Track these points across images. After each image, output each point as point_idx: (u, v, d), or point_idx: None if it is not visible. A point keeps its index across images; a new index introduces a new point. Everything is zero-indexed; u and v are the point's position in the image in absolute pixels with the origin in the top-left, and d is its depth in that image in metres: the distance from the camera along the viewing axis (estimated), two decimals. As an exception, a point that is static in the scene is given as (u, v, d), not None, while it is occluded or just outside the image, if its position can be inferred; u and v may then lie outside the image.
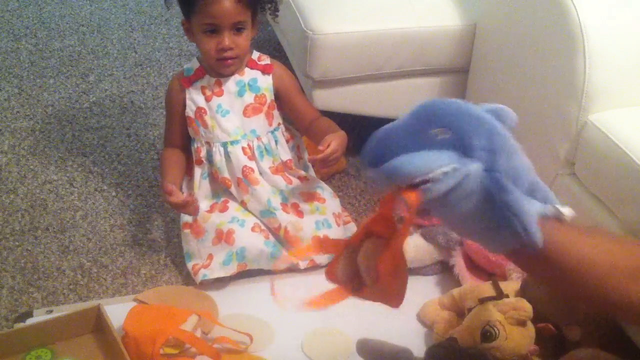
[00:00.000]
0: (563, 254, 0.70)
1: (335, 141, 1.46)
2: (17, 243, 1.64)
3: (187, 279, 1.57)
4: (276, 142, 1.58)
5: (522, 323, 1.30)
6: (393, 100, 1.84)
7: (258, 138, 1.56)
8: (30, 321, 1.42)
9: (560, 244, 0.70)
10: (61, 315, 1.38)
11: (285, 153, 1.60)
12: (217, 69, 1.52)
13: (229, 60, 1.48)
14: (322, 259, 1.54)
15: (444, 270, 1.59)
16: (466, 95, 1.81)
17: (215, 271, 1.50)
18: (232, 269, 1.50)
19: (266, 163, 1.57)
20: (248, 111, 1.54)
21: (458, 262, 1.52)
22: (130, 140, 2.03)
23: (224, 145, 1.54)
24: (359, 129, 2.05)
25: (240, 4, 1.42)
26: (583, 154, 1.38)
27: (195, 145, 1.57)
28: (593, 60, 1.33)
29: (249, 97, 1.54)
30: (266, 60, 1.57)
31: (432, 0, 1.79)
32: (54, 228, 1.69)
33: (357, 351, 1.37)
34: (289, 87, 1.58)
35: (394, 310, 1.48)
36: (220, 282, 1.53)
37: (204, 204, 1.58)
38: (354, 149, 1.97)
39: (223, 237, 1.51)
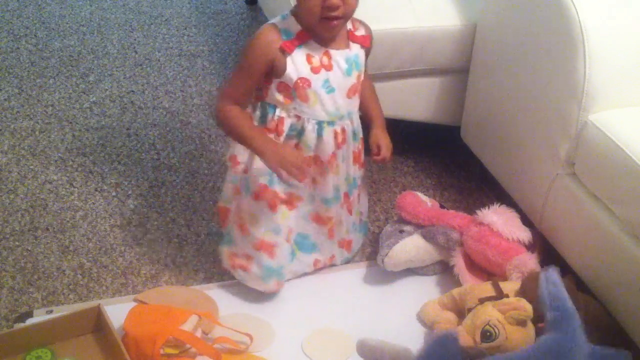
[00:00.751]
0: None
1: (385, 148, 1.47)
2: (17, 243, 1.64)
3: (187, 279, 1.57)
4: (359, 125, 1.47)
5: (522, 323, 1.30)
6: (393, 100, 1.84)
7: (351, 121, 1.43)
8: (30, 321, 1.42)
9: None
10: (61, 315, 1.38)
11: (361, 142, 1.50)
12: (318, 30, 1.30)
13: (335, 21, 1.27)
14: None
15: (444, 270, 1.59)
16: (466, 95, 1.81)
17: (253, 282, 1.48)
18: (270, 287, 1.49)
19: (352, 148, 1.46)
20: (351, 92, 1.38)
21: (458, 262, 1.52)
22: (130, 140, 2.03)
23: (319, 124, 1.37)
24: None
25: None
26: (583, 154, 1.38)
27: (275, 115, 1.37)
28: (593, 60, 1.33)
29: (354, 76, 1.37)
30: (360, 28, 1.40)
31: (432, 0, 1.79)
32: (54, 228, 1.69)
33: (357, 351, 1.37)
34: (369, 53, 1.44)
35: (394, 310, 1.49)
36: (220, 282, 1.53)
37: (255, 182, 1.42)
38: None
39: (264, 246, 1.45)
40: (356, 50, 1.37)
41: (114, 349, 1.31)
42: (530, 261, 1.46)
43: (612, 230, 1.32)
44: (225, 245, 1.51)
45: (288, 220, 1.46)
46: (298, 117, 1.36)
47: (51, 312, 1.45)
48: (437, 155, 2.00)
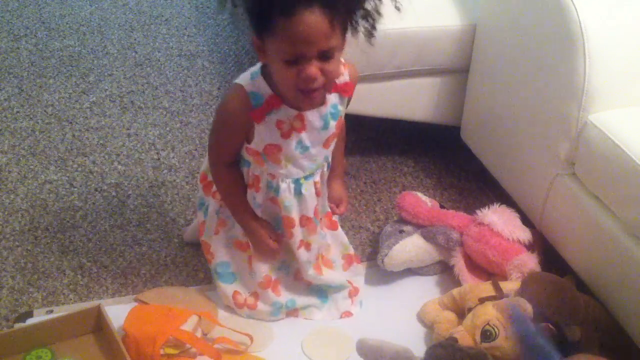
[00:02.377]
0: None
1: (345, 203, 1.48)
2: (17, 243, 1.64)
3: (187, 279, 1.57)
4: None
5: (522, 323, 1.30)
6: (393, 100, 1.84)
7: (328, 161, 1.35)
8: (30, 321, 1.42)
9: None
10: (61, 315, 1.38)
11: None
12: (297, 102, 1.18)
13: (315, 93, 1.14)
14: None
15: (444, 270, 1.59)
16: (466, 95, 1.81)
17: (263, 316, 1.45)
18: (281, 317, 1.46)
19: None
20: (329, 141, 1.29)
21: (458, 262, 1.52)
22: (130, 140, 2.03)
23: (296, 182, 1.30)
24: (359, 128, 2.05)
25: (333, 24, 1.06)
26: (583, 154, 1.38)
27: (252, 172, 1.31)
28: (593, 60, 1.33)
29: (332, 127, 1.27)
30: (345, 74, 1.26)
31: (432, 0, 1.79)
32: (54, 228, 1.69)
33: (357, 351, 1.37)
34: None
35: (394, 310, 1.49)
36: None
37: None
38: (353, 148, 1.98)
39: (271, 285, 1.42)
40: (334, 101, 1.25)
41: (114, 349, 1.31)
42: (530, 261, 1.46)
43: (612, 230, 1.32)
44: (222, 281, 1.45)
45: (285, 254, 1.43)
46: (273, 176, 1.30)
47: (51, 312, 1.45)
48: (437, 155, 2.00)
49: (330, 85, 1.17)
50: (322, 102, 1.22)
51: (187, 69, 2.39)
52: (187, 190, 1.83)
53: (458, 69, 1.80)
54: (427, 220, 1.58)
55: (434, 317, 1.45)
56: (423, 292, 1.53)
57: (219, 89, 2.28)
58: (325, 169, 1.36)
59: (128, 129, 2.07)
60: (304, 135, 1.24)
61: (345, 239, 1.50)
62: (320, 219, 1.41)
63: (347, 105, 1.30)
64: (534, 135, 1.52)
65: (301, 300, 1.46)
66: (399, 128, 1.99)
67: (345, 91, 1.27)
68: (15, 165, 1.90)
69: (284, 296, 1.45)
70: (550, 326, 1.32)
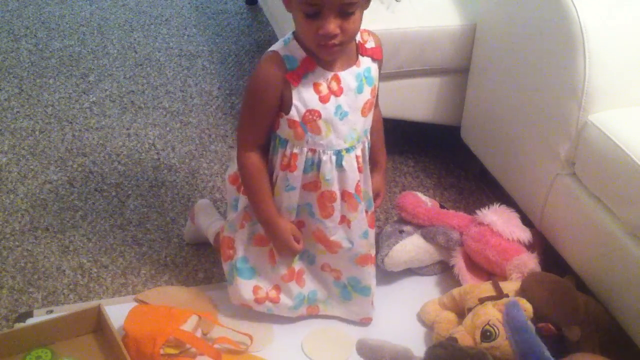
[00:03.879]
0: None
1: (381, 197, 1.46)
2: (17, 243, 1.64)
3: (187, 279, 1.57)
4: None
5: (522, 323, 1.30)
6: (393, 100, 1.84)
7: (367, 137, 1.32)
8: (30, 321, 1.42)
9: None
10: (61, 315, 1.38)
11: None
12: (320, 55, 1.19)
13: (334, 48, 1.16)
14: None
15: (444, 270, 1.59)
16: (466, 95, 1.81)
17: (284, 311, 1.43)
18: (301, 312, 1.44)
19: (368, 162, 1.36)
20: (366, 109, 1.27)
21: (458, 262, 1.52)
22: (130, 140, 2.03)
23: (338, 153, 1.26)
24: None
25: None
26: (583, 154, 1.38)
27: (287, 150, 1.26)
28: (593, 60, 1.33)
29: (367, 93, 1.26)
30: (370, 40, 1.28)
31: (432, 0, 1.79)
32: (54, 228, 1.69)
33: (357, 351, 1.37)
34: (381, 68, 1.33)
35: (394, 310, 1.49)
36: (220, 282, 1.53)
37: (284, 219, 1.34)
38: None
39: (294, 276, 1.40)
40: (367, 63, 1.26)
41: (114, 349, 1.31)
42: (530, 261, 1.46)
43: (612, 230, 1.32)
44: (242, 277, 1.40)
45: (311, 246, 1.39)
46: (313, 151, 1.25)
47: (51, 312, 1.45)
48: (437, 155, 2.00)
49: (349, 40, 1.18)
50: (338, 56, 1.22)
51: (187, 69, 2.39)
52: (187, 190, 1.83)
53: (458, 69, 1.81)
54: (427, 221, 1.58)
55: (434, 317, 1.45)
56: (423, 292, 1.53)
57: (219, 89, 2.28)
58: (366, 145, 1.32)
59: (128, 129, 2.07)
60: (341, 99, 1.23)
61: (373, 240, 1.44)
62: (362, 198, 1.34)
63: (380, 71, 1.31)
64: (534, 135, 1.52)
65: (324, 293, 1.44)
66: (399, 128, 1.99)
67: (375, 54, 1.28)
68: (15, 165, 1.90)
69: (308, 287, 1.42)
70: (550, 326, 1.32)
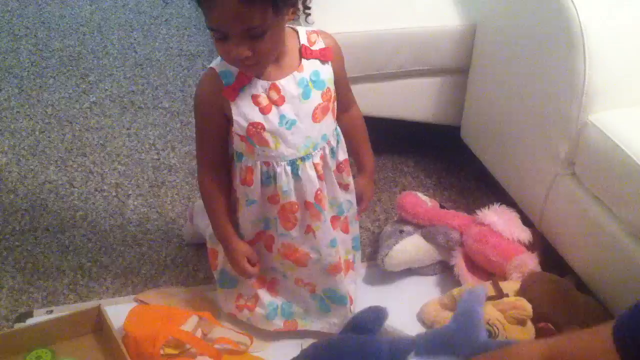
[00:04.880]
0: None
1: (366, 200, 1.42)
2: (17, 243, 1.64)
3: (187, 279, 1.57)
4: (337, 141, 1.30)
5: (521, 322, 1.30)
6: (393, 100, 1.84)
7: (328, 142, 1.27)
8: (30, 321, 1.42)
9: None
10: (61, 315, 1.38)
11: (343, 152, 1.32)
12: (245, 72, 1.18)
13: (251, 67, 1.14)
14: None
15: (444, 270, 1.59)
16: (466, 95, 1.81)
17: (259, 321, 1.41)
18: (277, 325, 1.41)
19: (332, 167, 1.30)
20: (317, 114, 1.22)
21: (458, 263, 1.52)
22: (130, 140, 2.03)
23: (292, 163, 1.22)
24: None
25: (253, 4, 1.03)
26: (583, 154, 1.38)
27: (243, 164, 1.24)
28: (593, 60, 1.33)
29: (316, 97, 1.21)
30: (319, 41, 1.22)
31: (432, 0, 1.79)
32: (54, 228, 1.69)
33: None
34: (342, 68, 1.27)
35: (394, 310, 1.49)
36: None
37: (247, 232, 1.33)
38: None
39: (265, 284, 1.39)
40: (313, 66, 1.20)
41: (114, 349, 1.31)
42: (530, 261, 1.46)
43: (612, 230, 1.32)
44: (225, 286, 1.42)
45: (280, 264, 1.37)
46: (267, 164, 1.22)
47: (51, 312, 1.45)
48: (437, 155, 2.00)
49: (267, 59, 1.14)
50: (259, 72, 1.17)
51: (187, 69, 2.39)
52: (187, 190, 1.83)
53: (458, 69, 1.80)
54: (427, 220, 1.58)
55: (434, 317, 1.45)
56: (423, 292, 1.53)
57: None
58: (328, 151, 1.27)
59: (128, 129, 2.07)
60: (284, 108, 1.19)
61: (350, 245, 1.43)
62: (325, 207, 1.30)
63: (337, 75, 1.25)
64: (534, 135, 1.52)
65: (301, 306, 1.42)
66: (399, 128, 1.99)
67: (324, 56, 1.22)
68: (15, 165, 1.90)
69: (281, 298, 1.41)
70: (550, 326, 1.32)
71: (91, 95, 2.22)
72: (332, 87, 1.24)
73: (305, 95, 1.20)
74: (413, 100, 1.86)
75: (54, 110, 2.14)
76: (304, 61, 1.20)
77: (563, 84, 1.39)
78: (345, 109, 1.32)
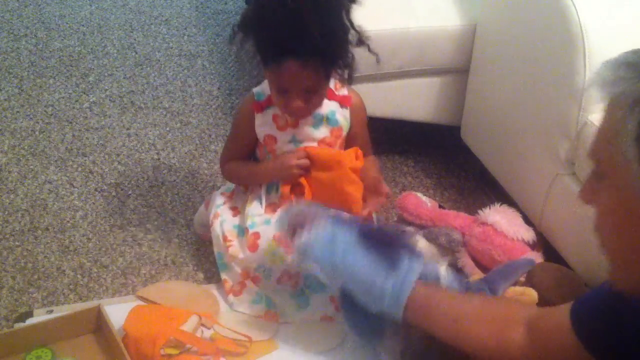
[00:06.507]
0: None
1: (372, 205, 1.43)
2: (17, 243, 1.64)
3: (187, 279, 1.57)
4: None
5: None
6: (393, 100, 1.84)
7: None
8: (30, 321, 1.42)
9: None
10: (61, 315, 1.38)
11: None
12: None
13: (302, 116, 1.40)
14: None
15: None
16: (466, 95, 1.81)
17: (244, 306, 1.46)
18: (259, 311, 1.44)
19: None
20: (322, 145, 1.45)
21: (467, 262, 1.52)
22: (130, 140, 2.03)
23: None
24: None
25: (315, 71, 1.30)
26: (583, 154, 1.38)
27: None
28: (593, 60, 1.33)
29: (325, 130, 1.44)
30: (343, 90, 1.46)
31: (432, 0, 1.79)
32: (54, 228, 1.69)
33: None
34: (361, 120, 1.49)
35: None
36: (220, 282, 1.53)
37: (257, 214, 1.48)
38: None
39: (250, 277, 1.45)
40: (332, 107, 1.43)
41: (114, 349, 1.31)
42: (535, 260, 1.46)
43: (612, 230, 1.32)
44: (220, 269, 1.50)
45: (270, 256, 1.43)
46: None
47: (51, 312, 1.45)
48: (437, 155, 2.00)
49: (315, 109, 1.40)
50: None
51: (187, 69, 2.39)
52: (187, 190, 1.83)
53: (458, 69, 1.81)
54: (430, 221, 1.58)
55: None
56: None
57: (218, 89, 2.29)
58: None
59: (128, 129, 2.07)
60: (297, 131, 1.43)
61: None
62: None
63: (352, 122, 1.46)
64: (534, 135, 1.52)
65: (281, 304, 1.44)
66: (399, 128, 1.99)
67: (344, 101, 1.45)
68: (15, 165, 1.90)
69: (264, 291, 1.44)
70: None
71: (91, 95, 2.22)
72: (345, 129, 1.46)
73: (317, 125, 1.43)
74: (413, 100, 1.86)
75: (54, 110, 2.14)
76: (325, 101, 1.42)
77: (563, 84, 1.39)
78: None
